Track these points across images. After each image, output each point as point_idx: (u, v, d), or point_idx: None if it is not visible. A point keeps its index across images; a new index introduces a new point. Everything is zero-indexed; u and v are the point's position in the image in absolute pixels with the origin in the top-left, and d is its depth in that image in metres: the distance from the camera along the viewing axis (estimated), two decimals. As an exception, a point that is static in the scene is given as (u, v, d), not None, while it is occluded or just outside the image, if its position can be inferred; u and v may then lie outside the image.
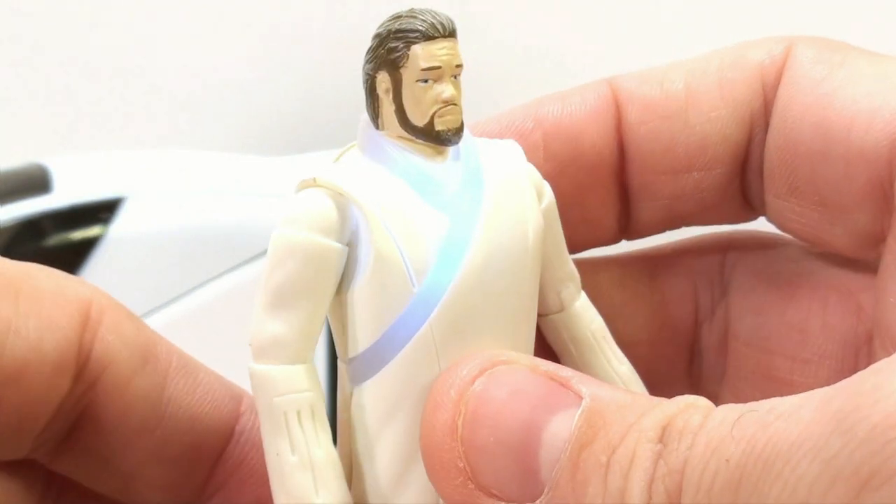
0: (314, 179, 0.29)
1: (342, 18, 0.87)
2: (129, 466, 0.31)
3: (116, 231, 0.63)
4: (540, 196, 0.31)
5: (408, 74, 0.29)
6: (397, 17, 0.29)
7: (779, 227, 0.35)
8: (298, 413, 0.28)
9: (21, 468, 0.30)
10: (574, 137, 0.34)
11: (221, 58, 0.90)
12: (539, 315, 0.31)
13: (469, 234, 0.28)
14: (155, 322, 0.62)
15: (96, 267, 0.62)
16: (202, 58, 0.91)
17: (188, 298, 0.63)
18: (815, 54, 0.34)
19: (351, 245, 0.29)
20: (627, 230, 0.36)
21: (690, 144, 0.34)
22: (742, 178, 0.35)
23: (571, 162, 0.34)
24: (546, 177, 0.31)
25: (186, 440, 0.31)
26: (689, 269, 0.36)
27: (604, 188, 0.34)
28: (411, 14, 0.29)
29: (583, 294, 0.32)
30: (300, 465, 0.28)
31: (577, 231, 0.34)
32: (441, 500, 0.28)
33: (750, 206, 0.36)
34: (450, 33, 0.29)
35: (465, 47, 0.29)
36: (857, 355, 0.34)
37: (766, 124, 0.34)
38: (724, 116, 0.34)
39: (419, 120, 0.29)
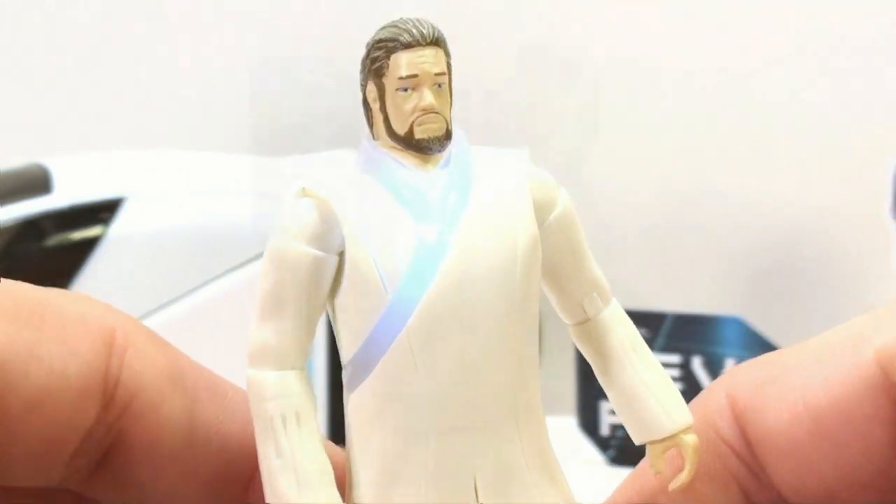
0: (302, 189, 0.29)
1: (343, 18, 0.87)
2: (163, 490, 0.30)
3: (116, 231, 0.63)
4: (545, 207, 0.30)
5: (389, 83, 0.29)
6: (384, 26, 0.30)
7: None
8: (284, 418, 0.29)
9: (51, 495, 0.30)
10: None
11: (222, 58, 0.90)
12: (569, 325, 0.32)
13: (447, 242, 0.29)
14: (155, 322, 0.62)
15: (96, 267, 0.63)
16: (202, 58, 0.91)
17: (188, 299, 0.63)
18: (748, 374, 0.33)
19: (342, 254, 0.29)
20: None
21: None
22: None
23: None
24: None
25: (219, 460, 0.31)
26: None
27: None
28: (394, 24, 0.30)
29: (613, 303, 0.32)
30: (283, 468, 0.28)
31: None
32: None
33: None
34: (431, 42, 0.29)
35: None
36: None
37: (754, 470, 0.32)
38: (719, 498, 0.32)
39: (400, 128, 0.29)
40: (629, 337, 0.32)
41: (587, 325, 0.32)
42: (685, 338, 0.73)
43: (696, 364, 0.73)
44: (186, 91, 0.91)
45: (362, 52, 0.30)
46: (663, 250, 0.90)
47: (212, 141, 0.89)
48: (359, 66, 0.30)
